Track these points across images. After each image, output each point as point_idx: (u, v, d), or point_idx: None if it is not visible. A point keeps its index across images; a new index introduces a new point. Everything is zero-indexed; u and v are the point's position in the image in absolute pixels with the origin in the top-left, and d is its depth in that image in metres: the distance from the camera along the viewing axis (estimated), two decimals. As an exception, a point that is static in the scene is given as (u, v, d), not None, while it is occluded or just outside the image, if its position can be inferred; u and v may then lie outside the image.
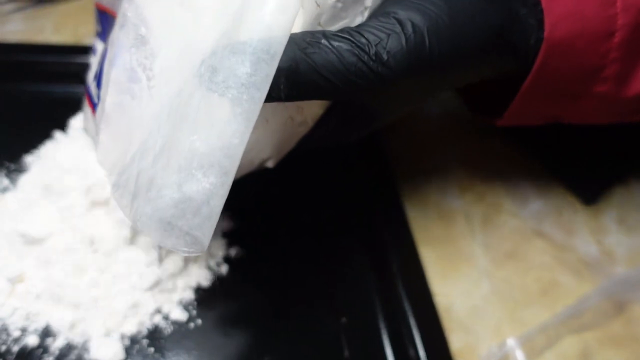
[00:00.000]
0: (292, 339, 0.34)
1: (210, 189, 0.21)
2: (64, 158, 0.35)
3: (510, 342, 0.34)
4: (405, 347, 0.33)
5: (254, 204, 0.40)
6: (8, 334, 0.31)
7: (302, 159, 0.38)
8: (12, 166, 0.38)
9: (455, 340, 0.35)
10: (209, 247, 0.35)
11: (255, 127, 0.26)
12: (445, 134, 0.51)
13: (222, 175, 0.21)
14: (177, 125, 0.22)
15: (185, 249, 0.22)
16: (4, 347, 0.30)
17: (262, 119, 0.26)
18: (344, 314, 0.35)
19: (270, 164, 0.29)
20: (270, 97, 0.22)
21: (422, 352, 0.32)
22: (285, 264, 0.37)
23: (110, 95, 0.25)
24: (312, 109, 0.27)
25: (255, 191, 0.39)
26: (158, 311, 0.32)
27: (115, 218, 0.32)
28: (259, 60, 0.21)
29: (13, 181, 0.37)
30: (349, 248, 0.39)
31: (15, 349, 0.30)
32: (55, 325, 0.31)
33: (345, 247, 0.39)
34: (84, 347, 0.31)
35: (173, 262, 0.32)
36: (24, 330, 0.31)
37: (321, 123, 0.28)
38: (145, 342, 0.32)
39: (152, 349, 0.32)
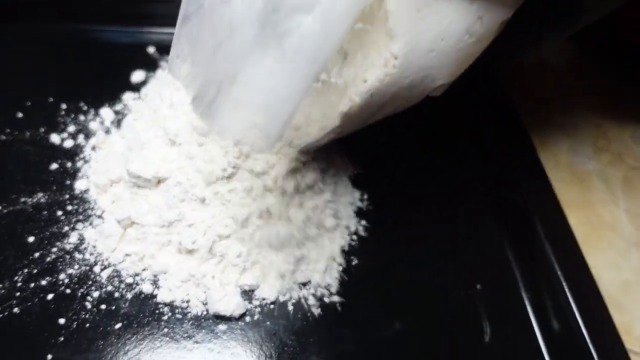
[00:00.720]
0: (422, 304, 0.30)
1: (299, 80, 0.19)
2: (167, 96, 0.32)
3: (679, 323, 0.29)
4: (557, 320, 0.29)
5: (381, 156, 0.36)
6: (121, 280, 0.28)
7: (434, 119, 0.35)
8: (116, 107, 0.36)
9: (609, 318, 0.30)
10: (340, 200, 0.32)
11: (429, 50, 0.22)
12: (575, 92, 0.45)
13: (313, 65, 0.19)
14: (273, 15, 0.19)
15: (256, 145, 0.20)
16: (117, 294, 0.28)
17: (437, 37, 0.21)
18: (477, 280, 0.31)
19: (437, 93, 0.25)
20: None
21: (583, 328, 0.27)
22: (414, 223, 0.33)
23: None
24: (493, 16, 0.23)
25: (383, 144, 0.36)
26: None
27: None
28: None
29: (117, 122, 0.35)
30: (479, 209, 0.34)
31: (129, 296, 0.28)
32: (169, 273, 0.28)
33: (475, 208, 0.34)
34: (201, 298, 0.28)
35: (296, 211, 0.29)
36: (136, 277, 0.28)
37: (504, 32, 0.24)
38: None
39: (272, 305, 0.29)
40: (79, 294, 0.28)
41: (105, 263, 0.29)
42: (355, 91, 0.23)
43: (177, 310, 0.28)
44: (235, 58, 0.20)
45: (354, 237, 0.32)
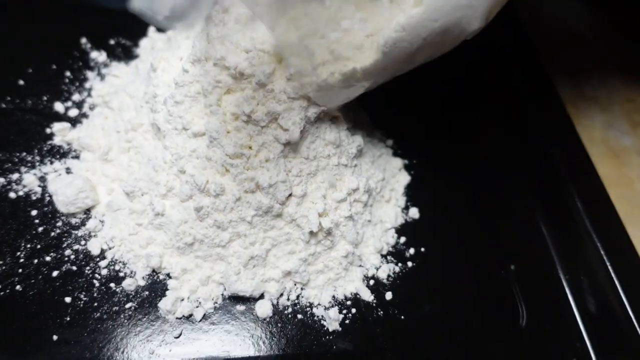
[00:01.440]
0: (454, 286, 0.28)
1: None
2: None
3: None
4: (597, 302, 0.27)
5: (416, 135, 0.34)
6: (131, 257, 0.26)
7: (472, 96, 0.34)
8: (122, 75, 0.33)
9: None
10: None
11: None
12: (609, 67, 0.42)
13: None
14: None
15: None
16: (127, 271, 0.26)
17: None
18: (512, 260, 0.29)
19: (471, 36, 0.22)
20: None
21: (629, 309, 0.25)
22: (446, 203, 0.31)
23: None
24: None
25: (418, 122, 0.34)
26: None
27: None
28: None
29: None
30: (513, 188, 0.32)
31: (140, 273, 0.26)
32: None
33: (509, 187, 0.32)
34: (218, 277, 0.26)
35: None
36: (148, 253, 0.26)
37: None
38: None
39: (295, 285, 0.27)
40: (86, 271, 0.26)
41: (115, 238, 0.27)
42: (374, 45, 0.20)
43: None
44: None
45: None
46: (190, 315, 0.25)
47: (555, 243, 0.30)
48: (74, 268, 0.26)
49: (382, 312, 0.26)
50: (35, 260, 0.26)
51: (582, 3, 0.47)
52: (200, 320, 0.25)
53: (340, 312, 0.26)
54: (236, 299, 0.26)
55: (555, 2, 0.47)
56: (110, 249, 0.26)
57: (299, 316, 0.26)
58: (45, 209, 0.27)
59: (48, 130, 0.30)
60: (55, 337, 0.24)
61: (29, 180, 0.28)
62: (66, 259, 0.26)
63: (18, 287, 0.25)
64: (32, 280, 0.25)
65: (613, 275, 0.26)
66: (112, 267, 0.26)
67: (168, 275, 0.26)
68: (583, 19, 0.46)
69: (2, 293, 0.24)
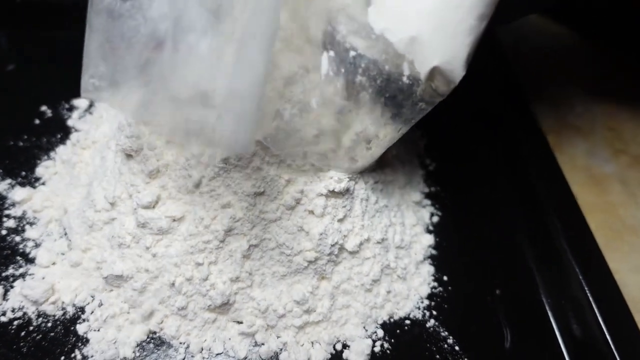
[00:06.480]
0: (443, 309, 0.29)
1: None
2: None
3: None
4: (579, 326, 0.28)
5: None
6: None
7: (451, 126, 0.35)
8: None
9: (634, 324, 0.29)
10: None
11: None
12: (590, 94, 0.45)
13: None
14: None
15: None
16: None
17: None
18: (497, 285, 0.31)
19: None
20: None
21: (607, 333, 0.27)
22: (433, 230, 0.33)
23: None
24: None
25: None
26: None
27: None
28: None
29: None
30: (497, 215, 0.34)
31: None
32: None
33: (492, 214, 0.34)
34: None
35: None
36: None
37: None
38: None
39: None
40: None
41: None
42: None
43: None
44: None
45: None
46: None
47: (539, 269, 0.31)
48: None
49: (373, 336, 0.28)
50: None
51: (564, 34, 0.50)
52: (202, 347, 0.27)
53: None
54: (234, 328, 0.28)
55: (537, 33, 0.49)
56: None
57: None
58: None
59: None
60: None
61: (44, 214, 0.30)
62: (78, 288, 0.28)
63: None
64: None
65: (591, 300, 0.28)
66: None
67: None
68: (565, 49, 0.48)
69: (16, 322, 0.26)
